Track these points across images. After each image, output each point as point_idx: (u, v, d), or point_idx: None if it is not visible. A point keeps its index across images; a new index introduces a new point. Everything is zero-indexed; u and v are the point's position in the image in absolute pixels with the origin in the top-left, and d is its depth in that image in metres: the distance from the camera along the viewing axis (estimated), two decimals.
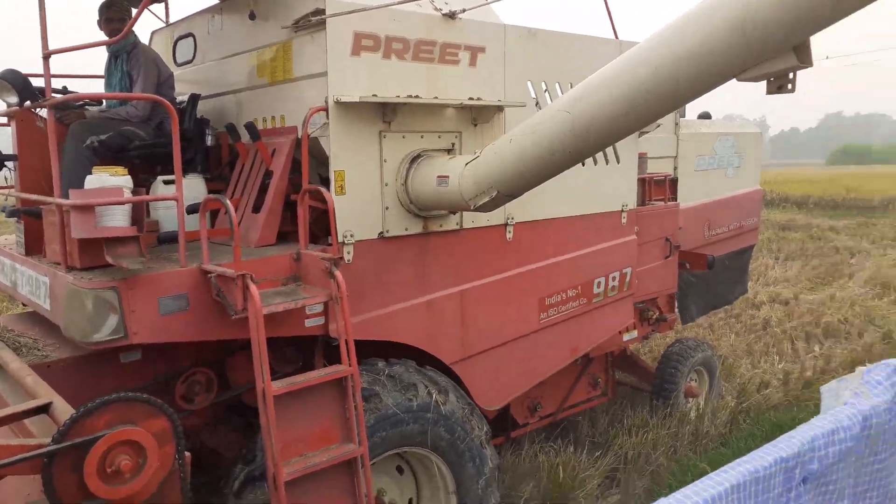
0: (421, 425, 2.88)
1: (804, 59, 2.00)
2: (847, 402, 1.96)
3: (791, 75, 2.16)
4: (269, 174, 2.99)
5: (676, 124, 4.94)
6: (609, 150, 3.97)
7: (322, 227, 2.95)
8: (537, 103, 3.52)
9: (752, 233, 6.04)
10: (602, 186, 4.00)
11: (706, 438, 4.53)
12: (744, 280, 6.20)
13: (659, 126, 4.22)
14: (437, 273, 3.24)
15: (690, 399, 4.99)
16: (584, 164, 3.77)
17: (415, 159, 3.02)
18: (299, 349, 3.00)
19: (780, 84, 2.19)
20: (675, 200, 4.89)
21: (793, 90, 2.18)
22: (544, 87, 3.60)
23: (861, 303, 8.13)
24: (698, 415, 4.78)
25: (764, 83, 2.21)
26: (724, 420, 4.76)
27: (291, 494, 2.31)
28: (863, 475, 1.95)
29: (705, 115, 5.71)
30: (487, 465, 3.13)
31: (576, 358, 4.15)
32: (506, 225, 3.50)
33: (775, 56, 1.98)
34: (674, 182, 4.92)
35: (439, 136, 3.16)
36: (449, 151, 3.18)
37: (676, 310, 5.17)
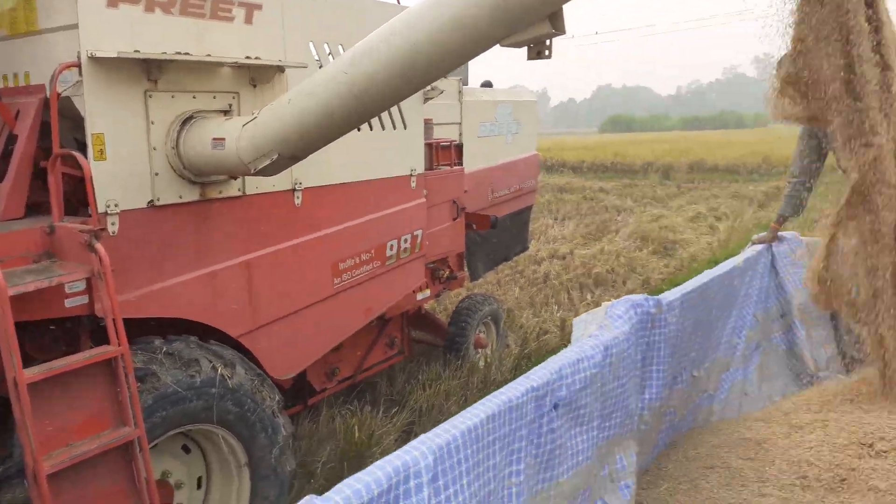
0: (206, 401, 2.76)
1: (558, 26, 2.16)
2: (592, 334, 2.19)
3: (548, 42, 2.32)
4: (13, 139, 2.64)
5: (460, 92, 5.12)
6: (396, 115, 4.02)
7: (82, 197, 2.67)
8: (321, 66, 3.45)
9: (531, 194, 6.49)
10: (391, 151, 4.05)
11: (493, 385, 4.84)
12: (524, 238, 6.66)
13: (442, 93, 4.34)
14: (220, 242, 3.08)
15: (480, 350, 5.30)
16: (371, 129, 3.78)
17: (186, 121, 2.82)
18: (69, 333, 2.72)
19: (538, 50, 2.35)
20: (461, 165, 5.09)
21: (549, 56, 2.35)
22: (328, 50, 3.54)
23: (625, 254, 9.11)
24: (486, 364, 5.10)
25: (525, 50, 2.36)
26: (510, 366, 5.12)
27: (58, 487, 2.11)
28: (609, 398, 2.20)
29: (487, 84, 5.99)
30: (281, 433, 3.09)
31: (371, 320, 4.21)
32: (293, 190, 3.41)
33: (533, 23, 2.11)
34: (459, 147, 5.11)
35: (214, 97, 2.98)
36: (226, 113, 3.01)
37: (465, 268, 5.43)
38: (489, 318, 5.47)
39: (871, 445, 2.59)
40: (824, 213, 3.13)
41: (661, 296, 2.79)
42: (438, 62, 2.24)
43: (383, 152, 3.96)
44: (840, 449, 2.60)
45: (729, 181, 15.64)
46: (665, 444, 2.97)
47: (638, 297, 2.60)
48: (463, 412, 1.60)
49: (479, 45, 2.22)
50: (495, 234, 5.69)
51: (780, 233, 4.11)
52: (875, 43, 2.76)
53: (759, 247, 3.99)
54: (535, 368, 1.91)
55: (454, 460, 1.45)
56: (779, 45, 2.99)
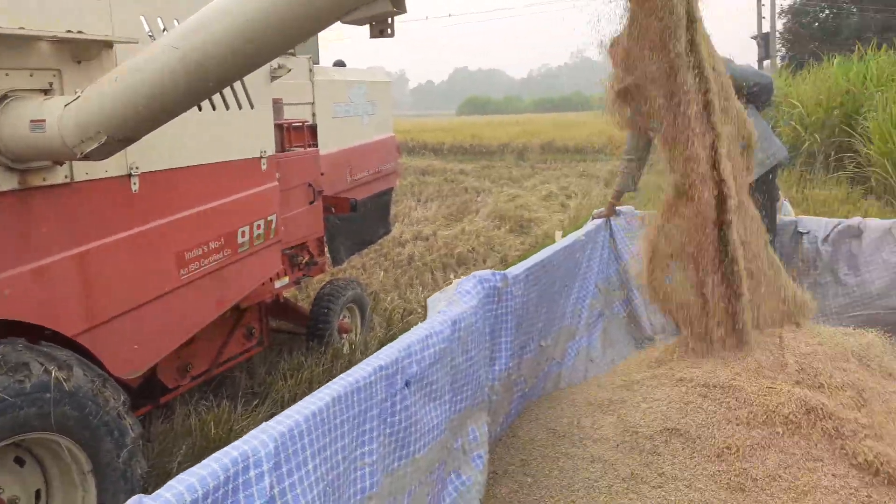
0: (39, 408, 2.54)
1: (398, 4, 2.16)
2: (441, 310, 2.23)
3: (390, 20, 2.32)
4: None
5: (311, 71, 5.01)
6: (241, 94, 3.86)
7: None
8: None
9: (391, 176, 6.49)
10: (237, 132, 3.88)
11: None
12: (386, 221, 6.67)
13: (290, 71, 4.22)
14: (47, 235, 2.83)
15: (344, 335, 5.26)
16: (215, 109, 3.61)
17: None
18: None
19: (381, 29, 2.34)
20: (316, 147, 4.99)
21: (392, 35, 2.35)
22: (162, 25, 3.32)
23: (485, 233, 9.37)
24: (351, 349, 5.07)
25: (367, 28, 2.35)
26: (375, 349, 5.11)
27: None
28: (459, 371, 2.26)
29: (340, 63, 5.89)
30: (129, 435, 2.91)
31: (225, 311, 4.05)
32: (129, 175, 3.19)
33: (373, 1, 2.09)
34: (313, 128, 5.00)
35: (31, 75, 2.72)
36: (46, 92, 2.76)
37: (326, 253, 5.35)
38: (353, 302, 5.44)
39: (705, 395, 2.85)
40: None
41: (507, 270, 2.89)
42: (275, 37, 2.17)
43: (229, 133, 3.80)
44: (673, 400, 2.84)
45: (578, 161, 16.48)
46: (517, 413, 3.10)
47: (485, 273, 2.68)
48: (308, 396, 1.58)
49: (317, 20, 2.17)
50: (356, 218, 5.64)
51: (617, 207, 4.40)
52: (696, 64, 3.02)
53: (599, 221, 4.25)
54: (385, 347, 1.92)
55: (298, 446, 1.43)
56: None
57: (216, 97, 3.63)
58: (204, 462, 1.26)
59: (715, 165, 3.04)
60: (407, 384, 1.90)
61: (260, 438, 1.38)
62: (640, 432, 2.72)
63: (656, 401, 2.86)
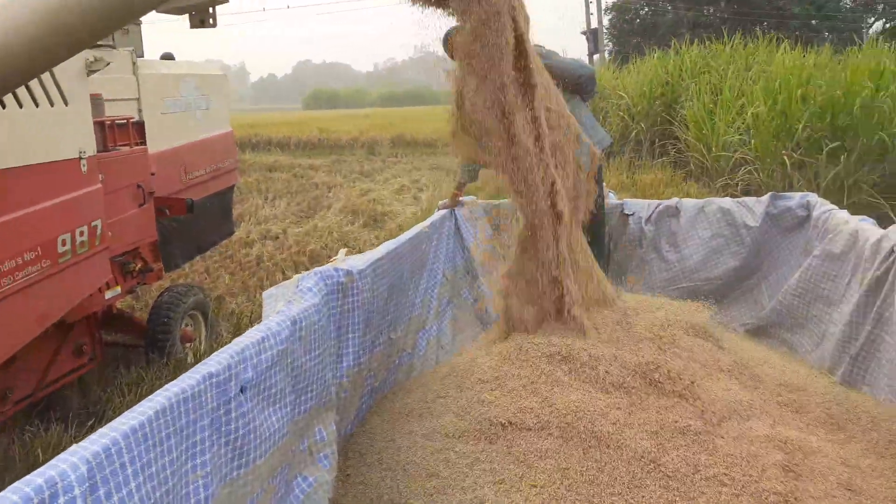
0: None
1: None
2: (279, 310, 2.17)
3: (211, 10, 2.21)
4: None
5: (134, 64, 4.68)
6: (52, 89, 3.53)
7: None
8: None
9: (231, 174, 6.22)
10: (50, 132, 3.55)
11: None
12: (229, 221, 6.39)
13: (109, 65, 3.92)
14: None
15: (188, 344, 5.00)
16: (22, 106, 3.27)
17: None
18: None
19: (201, 19, 2.24)
20: (144, 145, 4.67)
21: (214, 25, 2.25)
22: None
23: (338, 229, 9.26)
24: (196, 358, 4.82)
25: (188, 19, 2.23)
26: None
27: None
28: (302, 372, 2.22)
29: (168, 56, 5.55)
30: None
31: (47, 327, 3.70)
32: None
33: None
34: (140, 125, 4.68)
35: None
36: None
37: (161, 259, 5.03)
38: (195, 309, 5.17)
39: (562, 359, 2.99)
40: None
41: (351, 264, 2.86)
42: (78, 28, 2.00)
43: (41, 133, 3.46)
44: (522, 377, 2.96)
45: (428, 154, 16.69)
46: (369, 407, 3.09)
47: (328, 269, 2.64)
48: (128, 411, 1.48)
49: (128, 10, 2.03)
50: (195, 219, 5.35)
51: (461, 198, 4.51)
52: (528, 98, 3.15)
53: (444, 211, 4.34)
54: (216, 353, 1.83)
55: (116, 465, 1.33)
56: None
57: (23, 93, 3.30)
58: (2, 495, 1.14)
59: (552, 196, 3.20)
60: (242, 390, 1.83)
61: (69, 461, 1.26)
62: (485, 412, 2.81)
63: (501, 378, 2.95)
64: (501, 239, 4.55)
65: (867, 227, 3.51)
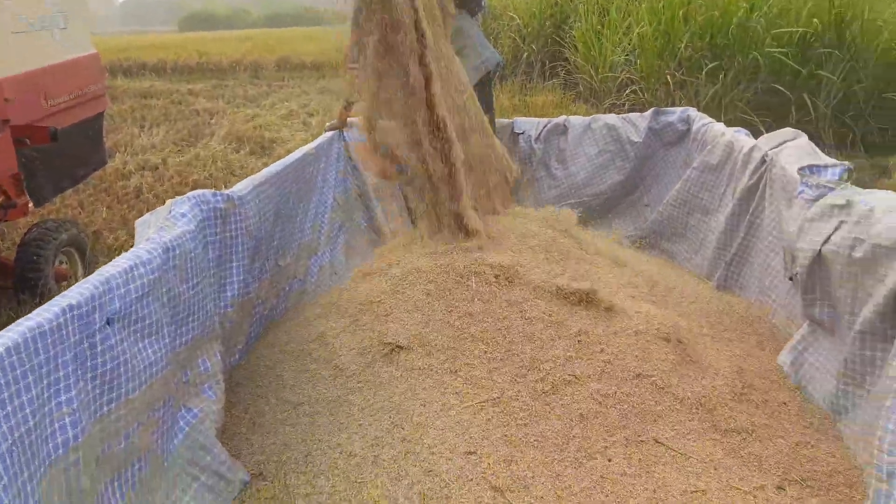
0: None
1: None
2: (150, 237, 2.03)
3: None
4: None
5: None
6: None
7: None
8: None
9: (100, 100, 5.72)
10: None
11: None
12: (100, 150, 5.92)
13: None
14: None
15: (63, 283, 4.67)
16: None
17: None
18: None
19: None
20: None
21: None
22: None
23: (222, 158, 8.80)
24: None
25: None
26: None
27: None
28: (181, 302, 2.09)
29: None
30: None
31: None
32: None
33: None
34: None
35: None
36: None
37: (26, 192, 4.61)
38: (70, 245, 4.81)
39: (448, 280, 2.98)
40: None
41: (231, 189, 2.71)
42: None
43: None
44: (417, 299, 2.94)
45: (316, 77, 16.02)
46: (257, 336, 3.00)
47: (205, 193, 2.48)
48: None
49: None
50: (62, 149, 4.90)
51: (349, 119, 4.33)
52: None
53: (331, 133, 4.17)
54: (77, 284, 1.68)
55: None
56: None
57: None
58: None
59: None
60: (109, 322, 1.70)
61: None
62: (380, 335, 2.79)
63: (395, 300, 2.94)
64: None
65: (741, 138, 3.67)
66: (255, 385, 2.70)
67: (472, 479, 2.25)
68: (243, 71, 16.75)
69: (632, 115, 4.62)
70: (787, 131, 3.38)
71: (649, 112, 4.53)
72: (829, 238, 2.57)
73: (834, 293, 2.57)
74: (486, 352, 2.73)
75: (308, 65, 17.09)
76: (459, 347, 2.73)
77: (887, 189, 3.34)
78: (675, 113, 4.44)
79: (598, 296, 2.90)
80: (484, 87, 4.29)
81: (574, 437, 2.40)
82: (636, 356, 2.67)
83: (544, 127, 4.76)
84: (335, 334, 2.86)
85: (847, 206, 2.56)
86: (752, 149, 3.42)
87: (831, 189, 2.73)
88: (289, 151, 8.80)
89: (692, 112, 4.41)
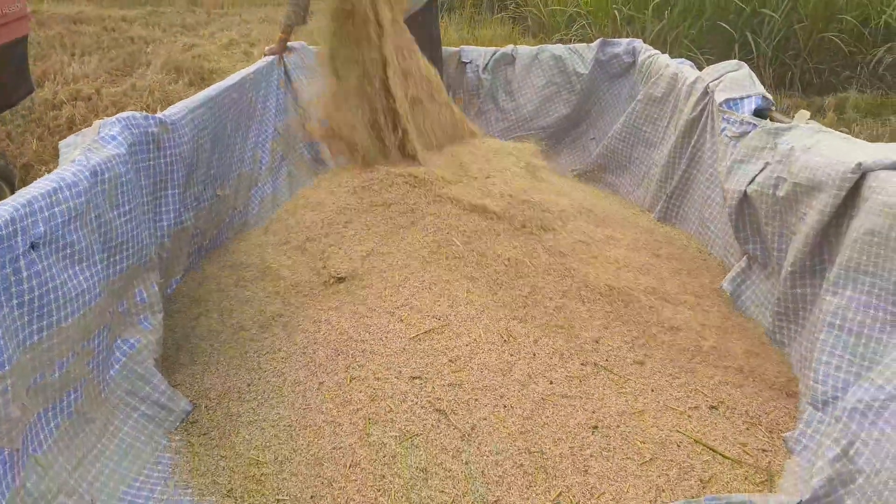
0: None
1: None
2: (76, 159, 1.93)
3: None
4: None
5: None
6: None
7: None
8: None
9: (20, 22, 5.33)
10: None
11: None
12: (25, 78, 5.57)
13: None
14: None
15: None
16: None
17: None
18: None
19: None
20: None
21: None
22: None
23: (160, 89, 8.41)
24: None
25: None
26: None
27: None
28: (112, 229, 2.01)
29: None
30: None
31: None
32: None
33: None
34: None
35: None
36: None
37: None
38: None
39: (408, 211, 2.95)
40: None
41: (164, 113, 2.58)
42: None
43: None
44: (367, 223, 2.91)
45: (257, 5, 15.34)
46: (196, 266, 2.93)
47: (135, 115, 2.36)
48: None
49: None
50: None
51: (290, 43, 4.15)
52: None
53: (271, 58, 3.99)
54: None
55: None
56: None
57: None
58: None
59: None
60: (33, 247, 1.62)
61: None
62: (323, 264, 2.76)
63: (336, 229, 2.90)
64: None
65: (685, 70, 3.68)
66: (196, 315, 2.65)
67: (416, 403, 2.28)
68: None
69: (578, 45, 4.57)
70: (731, 63, 3.40)
71: (596, 43, 4.49)
72: (754, 178, 2.64)
73: (762, 230, 2.66)
74: (430, 280, 2.73)
75: None
76: (402, 276, 2.72)
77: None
78: (622, 44, 4.41)
79: (547, 220, 2.93)
80: (427, 16, 4.16)
81: (517, 362, 2.44)
82: (579, 280, 2.72)
83: (492, 56, 4.68)
84: (278, 264, 2.81)
85: (771, 147, 2.62)
86: (695, 80, 3.43)
87: (753, 125, 2.78)
88: None
89: (638, 44, 4.39)
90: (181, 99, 7.70)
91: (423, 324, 2.58)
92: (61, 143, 2.20)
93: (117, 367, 2.04)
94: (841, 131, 2.61)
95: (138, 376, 2.12)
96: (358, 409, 2.27)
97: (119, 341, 2.06)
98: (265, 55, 4.05)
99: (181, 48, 10.75)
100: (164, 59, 9.92)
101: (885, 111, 6.77)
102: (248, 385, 2.38)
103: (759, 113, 2.99)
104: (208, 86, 9.10)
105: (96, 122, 2.26)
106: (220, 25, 12.90)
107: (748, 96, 2.95)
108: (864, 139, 5.73)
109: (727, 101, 3.00)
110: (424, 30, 3.93)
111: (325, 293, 2.71)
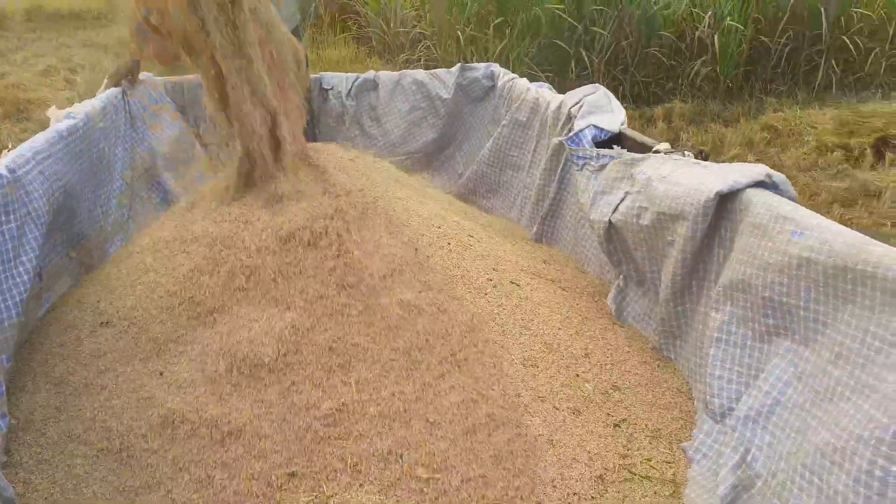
0: None
1: None
2: None
3: None
4: None
5: None
6: None
7: None
8: None
9: None
10: None
11: None
12: None
13: None
14: None
15: None
16: None
17: None
18: None
19: None
20: None
21: None
22: None
23: None
24: None
25: None
26: None
27: None
28: None
29: None
30: None
31: None
32: None
33: None
34: None
35: None
36: None
37: None
38: None
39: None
40: None
41: (7, 162, 2.24)
42: None
43: None
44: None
45: (76, 28, 14.16)
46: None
47: None
48: None
49: None
50: None
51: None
52: None
53: (111, 95, 3.53)
54: None
55: None
56: None
57: None
58: None
59: None
60: None
61: None
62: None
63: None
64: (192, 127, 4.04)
65: (546, 94, 3.83)
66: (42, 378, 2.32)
67: None
68: None
69: (439, 70, 4.62)
70: (589, 87, 3.58)
71: (456, 68, 4.57)
72: (616, 208, 2.80)
73: (632, 254, 2.82)
74: None
75: (65, 14, 15.02)
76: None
77: (655, 137, 3.71)
78: (480, 69, 4.52)
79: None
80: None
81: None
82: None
83: (354, 82, 4.61)
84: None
85: (629, 177, 2.79)
86: (559, 105, 3.57)
87: (610, 158, 2.93)
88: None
89: (496, 68, 4.52)
90: None
91: None
92: None
93: None
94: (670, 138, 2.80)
95: None
96: None
97: None
98: (109, 84, 3.66)
99: None
100: None
101: (705, 119, 7.49)
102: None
103: (615, 138, 3.19)
104: (27, 118, 8.28)
105: None
106: (34, 51, 11.74)
107: (584, 129, 3.13)
108: (691, 145, 6.25)
109: (570, 137, 3.17)
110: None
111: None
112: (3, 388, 1.90)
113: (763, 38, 7.80)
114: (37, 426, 2.18)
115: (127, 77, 3.76)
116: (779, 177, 2.33)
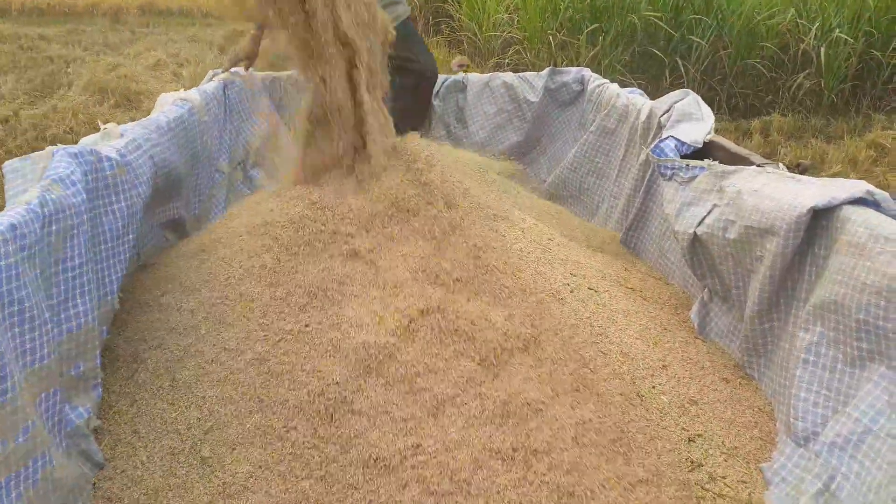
0: None
1: None
2: (27, 201, 1.75)
3: None
4: None
5: None
6: None
7: None
8: None
9: None
10: None
11: None
12: None
13: None
14: None
15: None
16: None
17: None
18: None
19: None
20: None
21: None
22: None
23: (84, 111, 8.05)
24: None
25: None
26: None
27: None
28: (60, 283, 1.85)
29: None
30: None
31: None
32: None
33: None
34: None
35: None
36: None
37: None
38: None
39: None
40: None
41: (117, 147, 2.37)
42: None
43: None
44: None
45: (186, 25, 14.94)
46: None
47: (94, 152, 2.15)
48: None
49: None
50: None
51: (233, 69, 3.97)
52: None
53: (213, 87, 3.65)
54: None
55: None
56: None
57: None
58: None
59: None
60: None
61: None
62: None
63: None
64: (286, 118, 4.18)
65: (637, 100, 3.75)
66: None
67: None
68: (102, 15, 15.30)
69: (528, 74, 4.62)
70: (678, 93, 3.49)
71: (545, 71, 4.55)
72: (702, 220, 2.70)
73: (717, 268, 2.72)
74: None
75: (175, 11, 15.89)
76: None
77: (751, 150, 3.57)
78: (571, 73, 4.49)
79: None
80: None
81: None
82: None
83: (443, 83, 4.68)
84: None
85: (717, 190, 2.69)
86: (649, 115, 3.50)
87: (701, 169, 2.84)
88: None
89: (586, 73, 4.47)
90: (107, 121, 7.38)
91: None
92: (5, 168, 1.99)
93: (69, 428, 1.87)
94: (766, 153, 2.68)
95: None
96: None
97: (67, 407, 1.88)
98: (229, 66, 3.83)
99: (105, 68, 10.34)
100: (86, 80, 9.50)
101: (805, 134, 7.14)
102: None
103: (703, 149, 3.09)
104: (136, 108, 8.79)
105: (49, 149, 2.06)
106: (146, 45, 12.46)
107: (681, 143, 3.04)
108: (789, 161, 5.93)
109: (656, 147, 3.08)
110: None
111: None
112: (99, 360, 2.03)
113: (875, 51, 7.38)
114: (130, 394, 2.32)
115: (244, 60, 3.86)
116: (881, 194, 2.21)
